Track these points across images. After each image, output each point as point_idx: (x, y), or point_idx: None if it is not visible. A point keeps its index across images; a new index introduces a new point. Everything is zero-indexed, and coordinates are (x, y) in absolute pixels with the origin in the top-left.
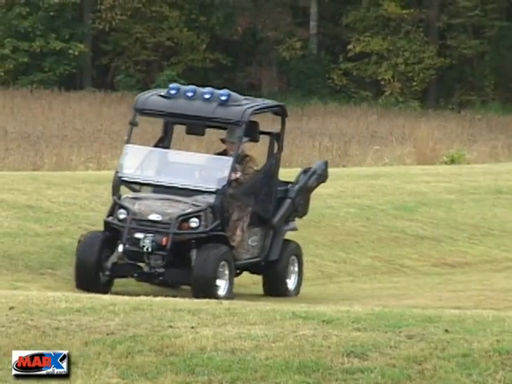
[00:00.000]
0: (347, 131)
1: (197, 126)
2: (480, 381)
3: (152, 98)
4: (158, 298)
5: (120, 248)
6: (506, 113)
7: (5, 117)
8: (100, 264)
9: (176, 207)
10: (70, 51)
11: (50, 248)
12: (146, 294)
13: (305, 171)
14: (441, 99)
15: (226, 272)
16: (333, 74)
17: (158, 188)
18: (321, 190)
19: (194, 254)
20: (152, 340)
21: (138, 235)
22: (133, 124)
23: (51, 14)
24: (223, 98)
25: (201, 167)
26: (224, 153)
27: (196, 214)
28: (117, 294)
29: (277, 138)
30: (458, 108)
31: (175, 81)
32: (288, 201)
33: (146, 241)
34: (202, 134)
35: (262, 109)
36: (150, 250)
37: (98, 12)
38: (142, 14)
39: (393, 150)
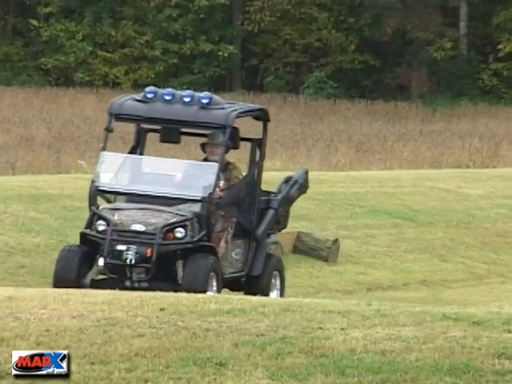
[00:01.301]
0: (498, 132)
1: (172, 132)
2: None
3: (128, 102)
4: (308, 300)
5: (100, 262)
6: None
7: None
8: (79, 281)
9: (159, 217)
10: (220, 53)
11: None
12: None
13: (286, 180)
14: None
15: (215, 283)
16: (483, 74)
17: (135, 197)
18: (471, 191)
19: (179, 265)
20: (302, 341)
21: (120, 247)
22: (108, 130)
23: (201, 16)
24: (204, 100)
25: (183, 174)
26: (204, 161)
27: (181, 224)
28: None
29: (259, 144)
30: None
31: (324, 82)
32: (271, 211)
33: (129, 253)
34: (178, 142)
35: (245, 112)
36: (133, 262)
37: (247, 14)
38: (291, 15)
39: None
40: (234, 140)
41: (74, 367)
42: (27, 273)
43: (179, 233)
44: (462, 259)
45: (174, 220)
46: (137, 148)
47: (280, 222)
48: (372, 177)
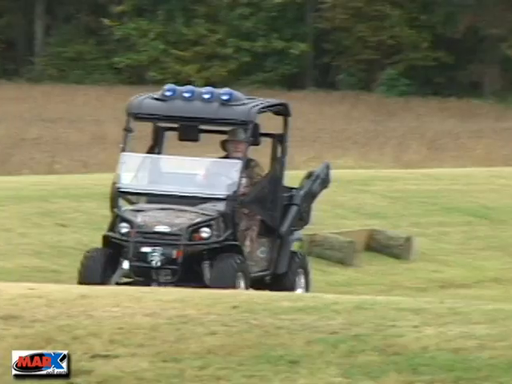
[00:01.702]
0: None
1: (191, 130)
2: None
3: (146, 101)
4: (381, 297)
5: (125, 265)
6: None
7: None
8: (103, 284)
9: (184, 217)
10: (292, 51)
11: None
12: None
13: (308, 175)
14: None
15: (242, 283)
16: None
17: (157, 198)
18: None
19: (206, 266)
20: (375, 339)
21: (145, 249)
22: (128, 130)
23: (273, 14)
24: (225, 97)
25: (206, 173)
26: (226, 158)
27: (207, 223)
28: None
29: (280, 140)
30: None
31: (397, 79)
32: (294, 208)
33: (155, 255)
34: (197, 140)
35: (266, 107)
36: (159, 264)
37: (319, 11)
38: (364, 12)
39: None
40: (256, 136)
41: (146, 365)
42: None
43: (205, 233)
44: None
45: (199, 220)
46: (155, 147)
47: (303, 218)
48: (445, 174)
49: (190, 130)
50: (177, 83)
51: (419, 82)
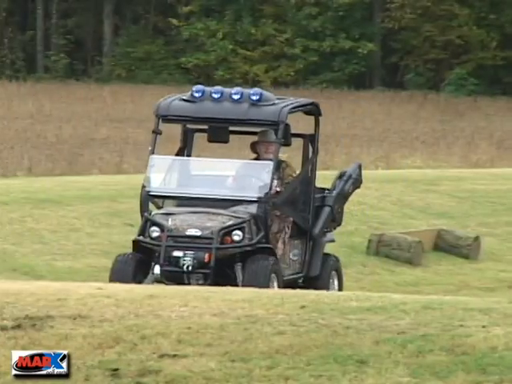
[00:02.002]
0: None
1: (221, 131)
2: None
3: (175, 102)
4: (449, 297)
5: (156, 269)
6: None
7: (295, 114)
8: None
9: (215, 220)
10: (360, 50)
11: (339, 247)
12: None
13: (340, 176)
14: None
15: (275, 285)
16: None
17: (187, 201)
18: None
19: (238, 269)
20: (443, 339)
21: (177, 253)
22: (156, 132)
23: (341, 13)
24: (255, 97)
25: (236, 174)
26: (256, 159)
27: (239, 226)
28: None
29: (311, 140)
30: None
31: (465, 79)
32: (327, 209)
33: (187, 259)
34: (227, 141)
35: (297, 107)
36: (190, 268)
37: (387, 11)
38: (432, 12)
39: None
40: (286, 137)
41: (214, 364)
42: None
43: (237, 236)
44: None
45: (230, 223)
46: (184, 149)
47: (336, 220)
48: None
49: (219, 131)
50: (244, 83)
51: (487, 81)
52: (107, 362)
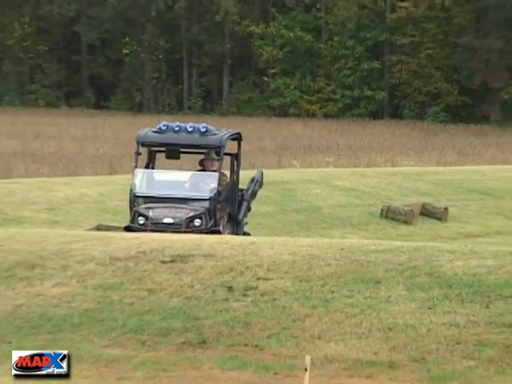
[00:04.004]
0: None
1: (175, 152)
2: None
3: (148, 133)
4: (429, 243)
5: None
6: None
7: (337, 134)
8: None
9: (181, 212)
10: (376, 96)
11: (363, 213)
12: None
13: (252, 180)
14: None
15: None
16: None
17: (156, 199)
18: None
19: None
20: (426, 268)
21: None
22: (137, 153)
23: (364, 74)
24: (203, 129)
25: (190, 181)
26: (202, 171)
27: (198, 216)
28: None
29: (236, 157)
30: None
31: (439, 113)
32: (245, 203)
33: None
34: (178, 158)
35: (230, 136)
36: None
37: (392, 72)
38: (418, 73)
39: None
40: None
41: (289, 284)
42: (263, 228)
43: (197, 222)
44: None
45: (192, 214)
46: (149, 164)
47: (249, 209)
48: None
49: (174, 151)
50: (307, 116)
51: (452, 114)
52: (225, 282)
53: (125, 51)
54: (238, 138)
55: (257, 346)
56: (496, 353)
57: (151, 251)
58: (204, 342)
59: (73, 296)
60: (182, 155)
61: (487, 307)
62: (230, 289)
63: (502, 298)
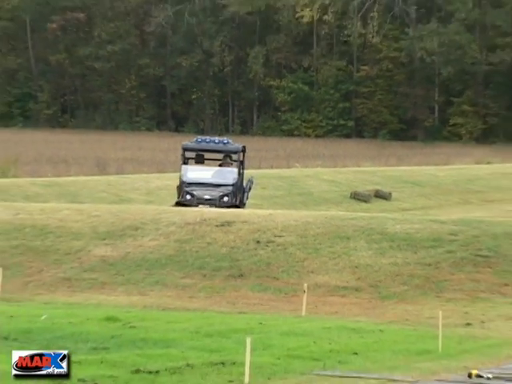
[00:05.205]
0: None
1: (201, 157)
2: None
3: (190, 143)
4: (381, 214)
5: None
6: None
7: (323, 147)
8: None
9: (215, 191)
10: (346, 124)
11: (340, 196)
12: None
13: (248, 180)
14: None
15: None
16: None
17: (198, 184)
18: None
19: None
20: (378, 228)
21: (200, 207)
22: (183, 156)
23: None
24: (225, 141)
25: (217, 173)
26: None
27: (227, 194)
28: None
29: (241, 163)
30: None
31: (384, 135)
32: (246, 193)
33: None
34: (203, 162)
35: (242, 147)
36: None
37: (359, 98)
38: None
39: None
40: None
41: (294, 239)
42: (277, 204)
43: (226, 198)
44: None
45: (222, 193)
46: (186, 163)
47: (248, 197)
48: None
49: (201, 156)
50: (304, 136)
51: (394, 135)
52: (255, 237)
53: (193, 96)
54: (243, 149)
55: (274, 277)
56: (420, 281)
57: (209, 219)
58: (241, 275)
59: (161, 246)
60: (206, 161)
61: (415, 253)
62: (258, 242)
63: (424, 248)
